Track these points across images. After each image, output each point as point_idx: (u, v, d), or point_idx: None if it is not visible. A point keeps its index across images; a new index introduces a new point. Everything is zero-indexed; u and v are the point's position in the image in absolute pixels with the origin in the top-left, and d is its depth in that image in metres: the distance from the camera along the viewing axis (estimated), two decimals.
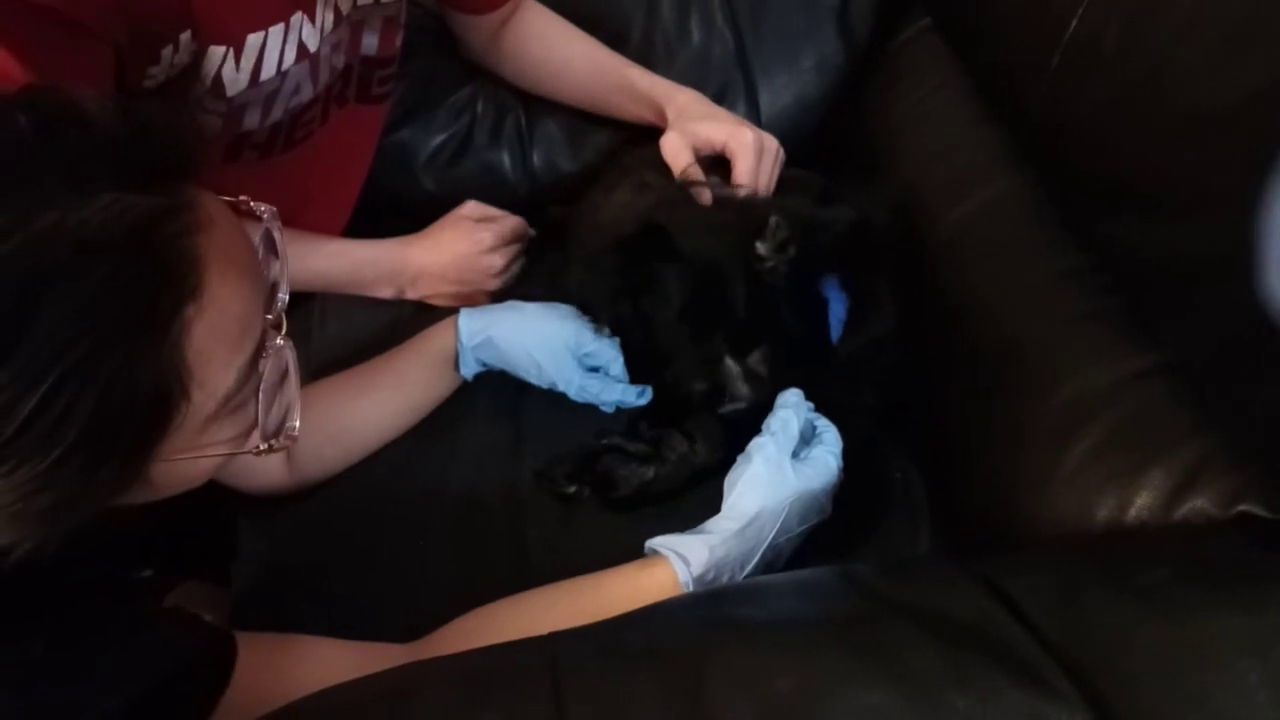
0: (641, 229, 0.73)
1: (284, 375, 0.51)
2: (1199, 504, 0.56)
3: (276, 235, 0.52)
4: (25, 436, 0.39)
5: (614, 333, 0.77)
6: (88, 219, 0.40)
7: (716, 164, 0.82)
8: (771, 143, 0.82)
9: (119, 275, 0.40)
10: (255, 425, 0.50)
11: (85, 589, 0.52)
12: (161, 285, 0.42)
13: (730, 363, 0.74)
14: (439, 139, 0.97)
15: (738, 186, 0.79)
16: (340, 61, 0.80)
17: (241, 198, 0.50)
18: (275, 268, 0.52)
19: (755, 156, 0.80)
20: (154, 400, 0.43)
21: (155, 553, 1.00)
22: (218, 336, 0.44)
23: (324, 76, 0.78)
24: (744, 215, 0.75)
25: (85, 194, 0.40)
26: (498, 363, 0.78)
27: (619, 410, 0.78)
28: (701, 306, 0.72)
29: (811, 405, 0.70)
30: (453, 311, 0.78)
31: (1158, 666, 0.43)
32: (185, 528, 0.97)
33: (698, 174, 0.80)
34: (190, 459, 0.47)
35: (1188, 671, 0.43)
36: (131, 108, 0.44)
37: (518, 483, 0.76)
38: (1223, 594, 0.46)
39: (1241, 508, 0.55)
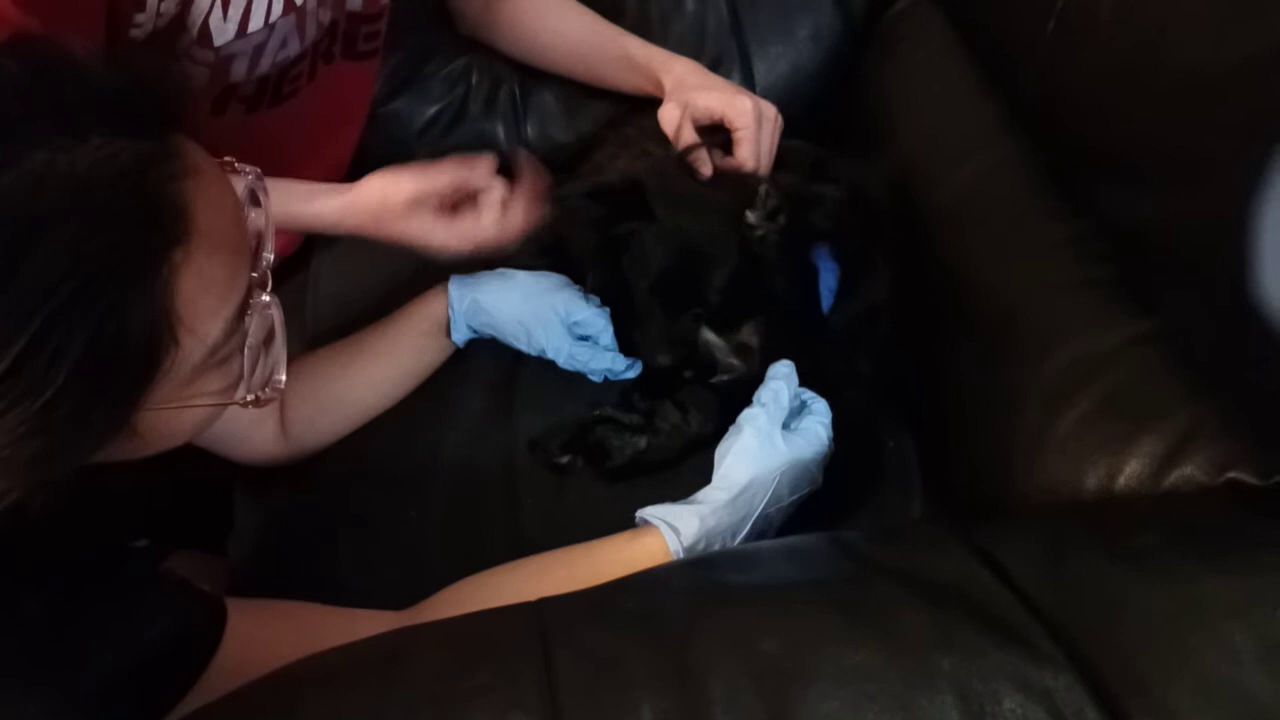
0: (621, 182, 0.73)
1: (270, 333, 0.51)
2: (1188, 471, 0.56)
3: (261, 195, 0.52)
4: (16, 378, 0.39)
5: (596, 291, 0.76)
6: (77, 162, 0.40)
7: (715, 134, 0.81)
8: (770, 110, 0.82)
9: (108, 217, 0.41)
10: (241, 379, 0.50)
11: (80, 557, 0.52)
12: (150, 228, 0.42)
13: (717, 337, 0.74)
14: (433, 110, 0.97)
15: (737, 154, 0.79)
16: (326, 17, 0.79)
17: (226, 158, 0.50)
18: (260, 226, 0.52)
19: (755, 124, 0.79)
20: (143, 344, 0.43)
21: (151, 525, 1.01)
22: (204, 282, 0.45)
23: (311, 31, 0.78)
24: (737, 194, 0.74)
25: (75, 138, 0.40)
26: (488, 329, 0.78)
27: (613, 381, 0.78)
28: (675, 282, 0.71)
29: (797, 381, 0.70)
30: (444, 279, 0.78)
31: (1144, 629, 0.43)
32: (182, 501, 0.99)
33: (696, 143, 0.79)
34: (178, 409, 0.47)
35: (1174, 634, 0.43)
36: (120, 57, 0.44)
37: (512, 452, 0.76)
38: (1210, 557, 0.46)
39: (1231, 475, 0.55)
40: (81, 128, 0.41)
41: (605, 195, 0.73)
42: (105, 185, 0.41)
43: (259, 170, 0.53)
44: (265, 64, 0.76)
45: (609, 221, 0.72)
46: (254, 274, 0.50)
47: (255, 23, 0.71)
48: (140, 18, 0.64)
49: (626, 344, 0.77)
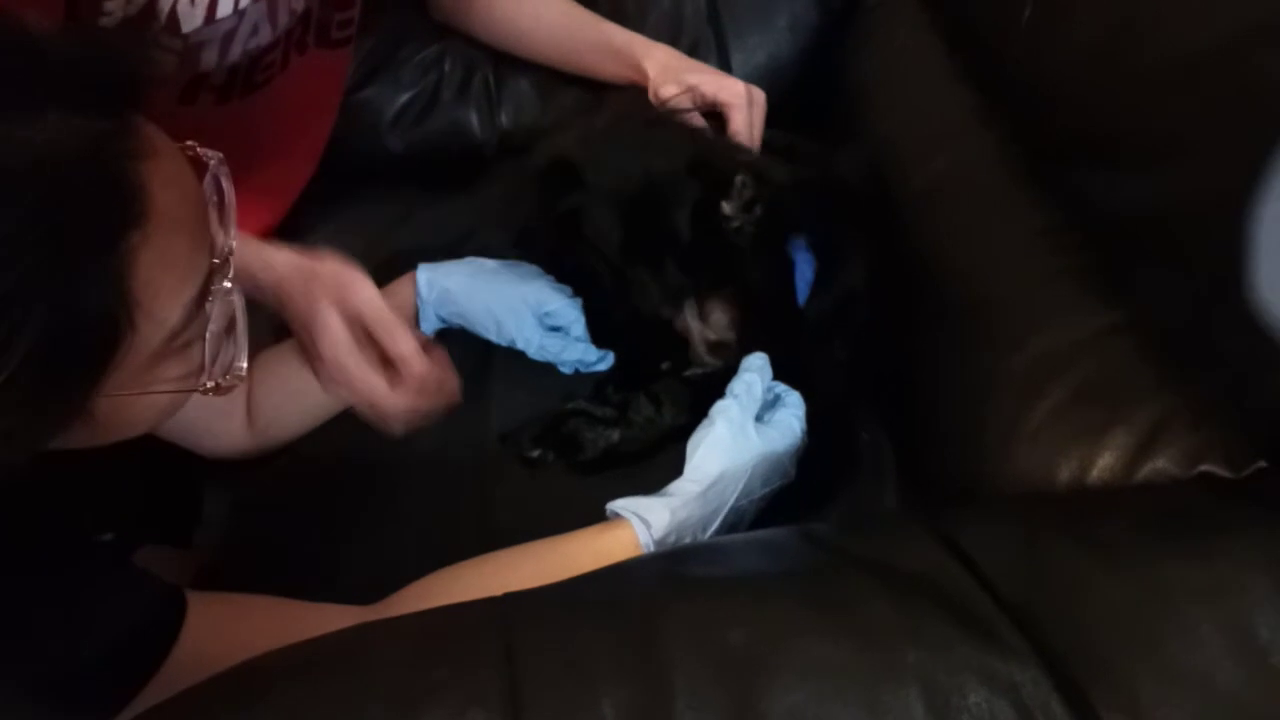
0: (549, 164, 0.71)
1: (232, 321, 0.51)
2: (1160, 464, 0.56)
3: (224, 182, 0.51)
4: None
5: (570, 278, 0.75)
6: (34, 138, 0.39)
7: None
8: (759, 94, 0.83)
9: (65, 195, 0.40)
10: (202, 367, 0.49)
11: (44, 550, 0.51)
12: (107, 208, 0.41)
13: (695, 326, 0.74)
14: (405, 97, 0.96)
15: (734, 135, 0.80)
16: (300, 4, 0.78)
17: (188, 143, 0.49)
18: (221, 213, 0.51)
19: (747, 105, 0.80)
20: (100, 327, 0.42)
21: (118, 518, 0.99)
22: (163, 266, 0.44)
23: (282, 19, 0.77)
24: (693, 141, 0.73)
25: (32, 114, 0.40)
26: (457, 319, 0.77)
27: (587, 374, 0.78)
28: (642, 232, 0.70)
29: (770, 373, 0.70)
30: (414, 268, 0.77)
31: (1110, 616, 0.43)
32: (149, 494, 0.97)
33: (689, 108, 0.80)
34: (137, 396, 0.46)
35: (1140, 620, 0.42)
36: (81, 34, 0.43)
37: (484, 445, 0.75)
38: (1177, 544, 0.46)
39: (1203, 468, 0.55)
40: (39, 106, 0.40)
41: (538, 179, 0.72)
42: (63, 164, 0.40)
43: (221, 156, 0.52)
44: (236, 52, 0.75)
45: (551, 202, 0.71)
46: (215, 260, 0.50)
47: (224, 9, 0.70)
48: (110, 5, 0.63)
49: (598, 334, 0.76)
